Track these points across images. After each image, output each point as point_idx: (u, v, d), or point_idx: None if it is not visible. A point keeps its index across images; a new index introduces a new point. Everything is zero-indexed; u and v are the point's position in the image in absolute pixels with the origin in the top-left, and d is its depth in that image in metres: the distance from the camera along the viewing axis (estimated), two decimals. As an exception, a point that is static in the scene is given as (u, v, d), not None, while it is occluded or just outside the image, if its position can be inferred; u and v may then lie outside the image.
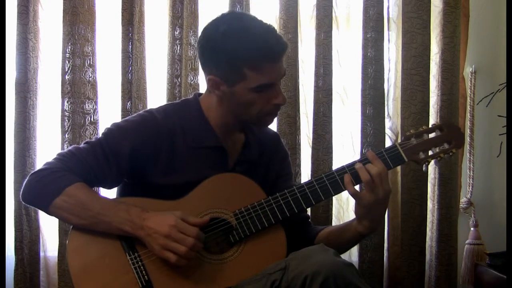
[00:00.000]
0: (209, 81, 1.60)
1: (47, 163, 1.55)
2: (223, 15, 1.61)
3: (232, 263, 1.53)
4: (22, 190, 1.55)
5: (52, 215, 1.56)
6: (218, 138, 1.65)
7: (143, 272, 1.48)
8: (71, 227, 1.54)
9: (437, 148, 1.67)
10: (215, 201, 1.57)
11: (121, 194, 1.70)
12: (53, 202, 1.50)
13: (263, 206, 1.57)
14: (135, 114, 1.68)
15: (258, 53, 1.51)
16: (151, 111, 1.65)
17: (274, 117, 1.66)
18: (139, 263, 1.49)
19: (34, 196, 1.54)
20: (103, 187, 1.69)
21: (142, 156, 1.58)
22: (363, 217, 1.59)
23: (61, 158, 1.55)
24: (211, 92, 1.64)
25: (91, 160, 1.55)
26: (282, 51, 1.56)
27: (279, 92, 1.59)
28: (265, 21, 1.59)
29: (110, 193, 1.78)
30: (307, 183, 1.60)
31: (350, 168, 1.59)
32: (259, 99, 1.57)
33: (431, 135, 1.68)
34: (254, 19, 1.61)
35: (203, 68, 1.63)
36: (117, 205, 1.51)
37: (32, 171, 1.59)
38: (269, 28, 1.56)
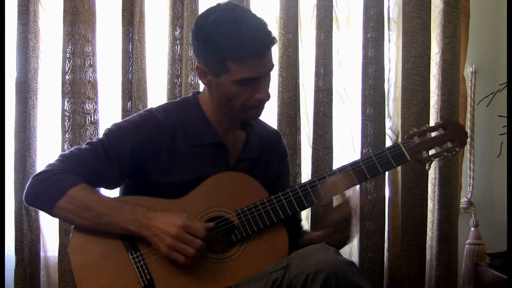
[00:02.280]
0: (197, 69, 1.60)
1: (49, 165, 1.55)
2: (218, 5, 1.58)
3: (234, 262, 1.53)
4: (25, 192, 1.54)
5: (56, 217, 1.56)
6: (218, 135, 1.65)
7: (145, 271, 1.48)
8: (73, 226, 1.54)
9: (440, 146, 1.65)
10: (217, 200, 1.57)
11: (123, 194, 1.70)
12: (57, 203, 1.49)
13: (265, 205, 1.57)
14: (135, 114, 1.68)
15: (242, 47, 1.48)
16: (151, 111, 1.64)
17: (259, 111, 1.62)
18: (141, 262, 1.49)
19: (37, 198, 1.53)
20: (105, 188, 1.68)
21: (143, 156, 1.57)
22: (333, 233, 1.64)
23: (63, 160, 1.55)
24: (205, 86, 1.64)
25: (93, 161, 1.55)
26: (267, 47, 1.53)
27: (263, 87, 1.56)
28: (263, 18, 1.56)
29: (112, 193, 1.77)
30: (308, 182, 1.60)
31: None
32: (243, 92, 1.54)
33: (434, 134, 1.67)
34: (247, 11, 1.59)
35: (194, 56, 1.62)
36: (121, 205, 1.51)
37: (35, 173, 1.58)
38: (260, 23, 1.53)
